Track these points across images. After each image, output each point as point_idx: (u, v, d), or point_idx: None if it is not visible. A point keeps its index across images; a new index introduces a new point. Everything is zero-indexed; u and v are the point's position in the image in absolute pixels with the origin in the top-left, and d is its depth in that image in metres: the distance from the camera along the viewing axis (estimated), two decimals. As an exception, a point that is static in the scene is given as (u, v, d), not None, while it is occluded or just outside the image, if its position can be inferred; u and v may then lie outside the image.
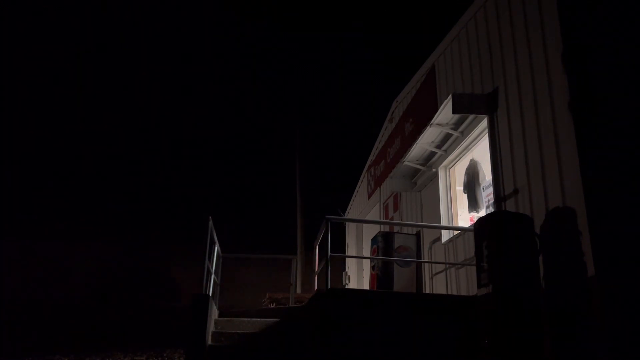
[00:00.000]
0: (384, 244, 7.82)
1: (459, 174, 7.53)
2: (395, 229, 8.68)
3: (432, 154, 7.71)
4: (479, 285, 4.61)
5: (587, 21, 4.81)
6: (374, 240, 8.27)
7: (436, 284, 7.37)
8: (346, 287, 12.49)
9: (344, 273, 13.28)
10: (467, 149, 7.02)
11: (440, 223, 7.40)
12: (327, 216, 5.84)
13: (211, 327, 5.95)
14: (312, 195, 19.14)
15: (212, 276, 6.83)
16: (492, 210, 5.97)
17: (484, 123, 6.25)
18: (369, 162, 12.49)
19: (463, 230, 6.53)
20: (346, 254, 14.22)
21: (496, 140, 5.89)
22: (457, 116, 6.53)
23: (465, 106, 6.13)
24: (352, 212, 14.64)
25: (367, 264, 11.49)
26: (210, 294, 6.49)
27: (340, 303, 5.26)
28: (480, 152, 6.77)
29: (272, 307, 10.34)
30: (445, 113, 6.44)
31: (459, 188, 7.41)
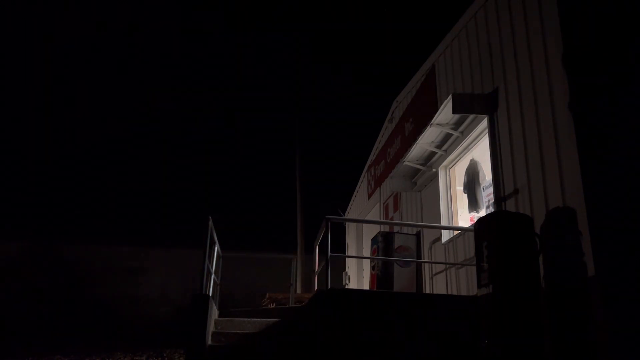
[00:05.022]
0: (384, 244, 7.82)
1: (459, 174, 7.53)
2: (395, 229, 8.68)
3: (432, 154, 7.71)
4: (479, 285, 4.61)
5: (587, 21, 4.81)
6: (374, 240, 8.27)
7: (436, 284, 7.37)
8: (346, 287, 12.49)
9: (344, 273, 13.28)
10: (467, 149, 7.02)
11: (440, 223, 7.40)
12: (327, 216, 5.84)
13: (211, 327, 5.95)
14: (312, 195, 19.12)
15: (212, 276, 6.83)
16: (492, 210, 5.97)
17: (484, 123, 6.25)
18: (369, 162, 12.49)
19: (463, 230, 6.53)
20: (346, 254, 14.21)
21: (496, 140, 5.89)
22: (457, 116, 6.53)
23: (465, 106, 6.13)
24: (352, 212, 14.64)
25: (367, 264, 11.48)
26: (210, 294, 6.49)
27: (340, 303, 5.26)
28: (480, 152, 6.77)
29: (272, 307, 10.34)
30: (445, 113, 6.44)
31: (459, 188, 7.41)
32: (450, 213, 7.48)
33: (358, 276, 13.05)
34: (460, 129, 6.83)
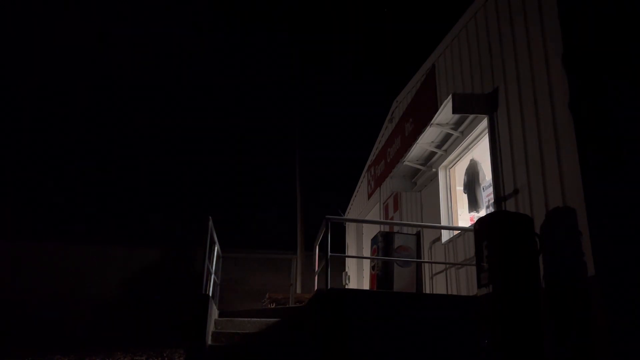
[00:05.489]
0: (384, 244, 7.82)
1: (459, 174, 7.53)
2: (395, 229, 8.68)
3: (432, 154, 7.71)
4: (479, 285, 4.61)
5: (587, 21, 4.81)
6: (374, 240, 8.27)
7: (436, 284, 7.38)
8: (346, 287, 12.49)
9: (344, 273, 13.28)
10: (467, 149, 7.02)
11: (440, 223, 7.40)
12: (327, 216, 5.84)
13: (211, 327, 5.95)
14: (312, 195, 19.12)
15: (212, 276, 6.83)
16: (492, 210, 5.97)
17: (484, 123, 6.25)
18: (369, 162, 12.49)
19: (463, 230, 6.53)
20: (346, 254, 14.21)
21: (496, 140, 5.89)
22: (457, 116, 6.53)
23: (465, 106, 6.13)
24: (352, 212, 14.64)
25: (367, 264, 11.48)
26: (210, 294, 6.49)
27: (340, 303, 5.26)
28: (480, 152, 6.77)
29: (272, 307, 10.34)
30: (445, 113, 6.44)
31: (459, 188, 7.41)
32: (450, 213, 7.48)
33: (358, 276, 13.05)
34: (460, 129, 6.83)
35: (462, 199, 7.29)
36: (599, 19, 4.85)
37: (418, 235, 8.18)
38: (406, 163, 8.08)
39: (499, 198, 5.73)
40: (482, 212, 6.56)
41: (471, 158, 6.95)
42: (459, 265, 6.54)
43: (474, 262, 5.05)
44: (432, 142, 7.43)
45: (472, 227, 5.05)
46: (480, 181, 6.73)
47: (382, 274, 7.69)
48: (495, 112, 5.95)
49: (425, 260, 7.81)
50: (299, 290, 15.66)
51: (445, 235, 7.22)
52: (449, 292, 6.83)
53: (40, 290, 16.30)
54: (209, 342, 5.70)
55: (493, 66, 6.07)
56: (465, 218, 7.19)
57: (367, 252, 12.11)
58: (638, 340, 3.97)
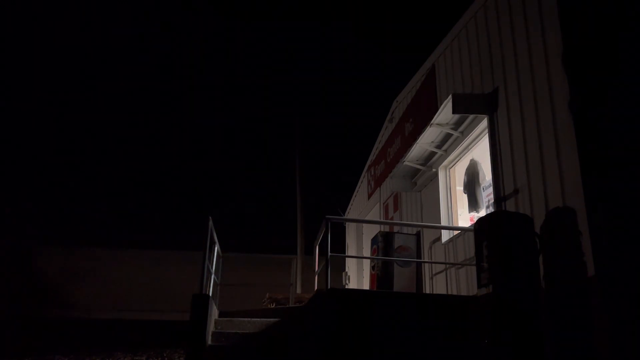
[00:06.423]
0: (384, 244, 7.81)
1: (459, 174, 7.53)
2: (395, 229, 8.67)
3: (432, 154, 7.71)
4: (479, 285, 4.61)
5: (587, 21, 4.81)
6: (374, 240, 8.27)
7: (436, 284, 7.37)
8: (346, 287, 12.49)
9: (344, 273, 13.28)
10: (467, 149, 7.02)
11: (440, 223, 7.40)
12: (327, 216, 5.84)
13: (211, 327, 5.95)
14: (312, 195, 19.12)
15: (212, 276, 6.83)
16: (492, 210, 5.97)
17: (484, 123, 6.25)
18: (369, 162, 12.49)
19: (463, 230, 6.53)
20: (346, 254, 14.21)
21: (496, 140, 5.89)
22: (457, 116, 6.53)
23: (465, 106, 6.13)
24: (352, 212, 14.63)
25: (367, 264, 11.48)
26: (210, 294, 6.49)
27: (340, 303, 5.26)
28: (480, 152, 6.77)
29: (272, 307, 10.34)
30: (445, 113, 6.44)
31: (459, 188, 7.41)
32: (450, 213, 7.48)
33: (358, 276, 13.05)
34: (460, 129, 6.83)
35: (462, 199, 7.29)
36: (599, 19, 4.84)
37: (418, 235, 8.18)
38: (406, 163, 8.08)
39: (499, 198, 5.73)
40: (482, 212, 6.56)
41: (471, 158, 6.95)
42: (459, 265, 6.54)
43: (474, 262, 5.05)
44: (432, 142, 7.43)
45: (472, 227, 5.05)
46: (480, 181, 6.73)
47: (382, 274, 7.68)
48: (495, 112, 5.95)
49: (425, 260, 7.81)
50: (299, 290, 15.66)
51: (445, 235, 7.22)
52: (449, 292, 6.83)
53: (40, 291, 16.32)
54: (209, 342, 5.70)
55: (493, 66, 6.07)
56: (465, 218, 7.19)
57: (367, 252, 12.10)
58: (638, 340, 3.97)
